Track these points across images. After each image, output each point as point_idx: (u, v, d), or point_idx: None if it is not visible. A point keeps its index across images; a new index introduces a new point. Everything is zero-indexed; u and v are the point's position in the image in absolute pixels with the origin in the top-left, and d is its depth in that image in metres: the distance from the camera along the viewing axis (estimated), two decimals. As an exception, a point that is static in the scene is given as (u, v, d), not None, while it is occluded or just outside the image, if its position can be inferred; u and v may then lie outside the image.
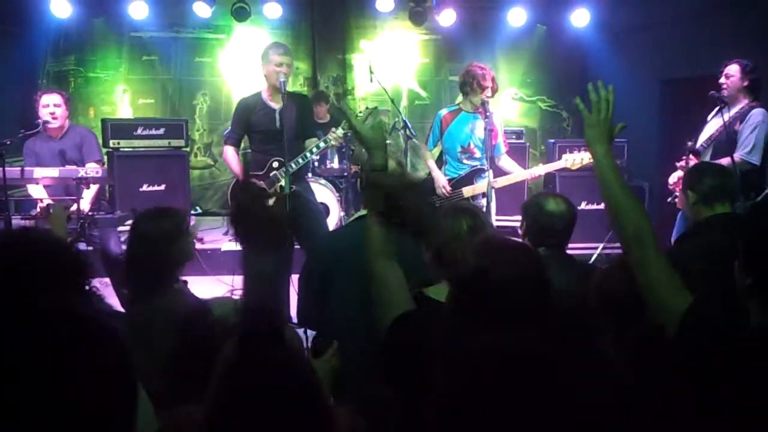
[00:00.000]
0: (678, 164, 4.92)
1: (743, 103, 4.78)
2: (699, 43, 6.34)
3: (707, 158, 4.73)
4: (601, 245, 6.19)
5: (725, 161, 4.37)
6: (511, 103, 8.43)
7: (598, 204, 6.39)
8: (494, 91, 5.06)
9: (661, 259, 1.67)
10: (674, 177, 4.91)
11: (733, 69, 4.81)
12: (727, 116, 4.66)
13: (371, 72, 6.22)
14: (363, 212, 3.21)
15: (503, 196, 5.49)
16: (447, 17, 7.92)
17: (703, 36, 6.32)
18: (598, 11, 7.79)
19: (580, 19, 7.82)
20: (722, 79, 4.84)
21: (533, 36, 8.38)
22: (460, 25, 8.13)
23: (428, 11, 7.96)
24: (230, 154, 4.89)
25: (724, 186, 3.05)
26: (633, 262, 1.71)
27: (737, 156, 4.52)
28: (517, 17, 7.92)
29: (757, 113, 4.68)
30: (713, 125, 4.90)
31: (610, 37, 7.81)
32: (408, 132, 5.87)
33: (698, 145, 4.90)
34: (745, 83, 4.78)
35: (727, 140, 4.64)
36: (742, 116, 4.73)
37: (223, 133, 5.93)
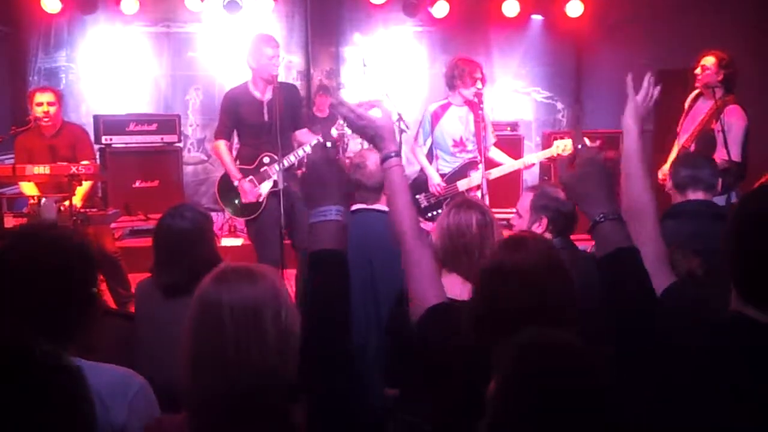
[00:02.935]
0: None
1: (717, 96, 4.70)
2: (694, 34, 6.32)
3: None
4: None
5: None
6: (505, 95, 8.39)
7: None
8: (484, 82, 5.00)
9: (655, 244, 1.76)
10: (662, 172, 4.93)
11: (710, 61, 4.80)
12: (702, 114, 4.78)
13: (365, 65, 6.19)
14: (355, 207, 3.21)
15: (497, 189, 5.45)
16: (440, 9, 7.89)
17: (698, 26, 6.31)
18: (593, 2, 7.76)
19: (574, 9, 7.79)
20: (697, 70, 4.84)
21: (527, 27, 8.35)
22: (454, 17, 8.09)
23: (421, 3, 7.93)
24: (222, 149, 4.81)
25: (697, 176, 3.25)
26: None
27: (718, 158, 4.45)
28: (510, 8, 7.90)
29: (730, 111, 4.66)
30: (695, 116, 4.95)
31: (605, 27, 7.78)
32: (402, 125, 5.84)
33: (681, 140, 4.99)
34: (720, 77, 4.75)
35: (707, 138, 4.72)
36: (717, 113, 4.67)
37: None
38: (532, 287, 1.59)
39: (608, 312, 1.52)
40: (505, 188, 6.13)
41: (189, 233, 2.67)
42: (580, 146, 1.71)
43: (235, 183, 4.76)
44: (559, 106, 8.60)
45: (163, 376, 2.36)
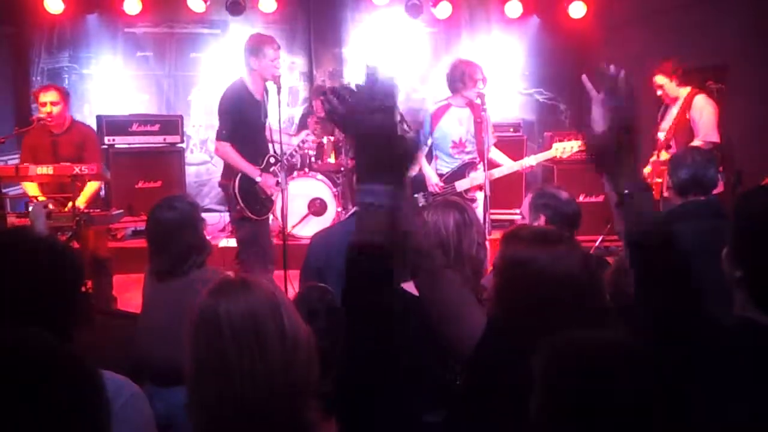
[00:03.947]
0: (651, 160, 5.39)
1: (684, 94, 5.29)
2: (696, 34, 6.30)
3: (674, 149, 5.19)
4: (599, 238, 6.17)
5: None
6: (508, 95, 8.39)
7: (596, 197, 6.37)
8: (485, 82, 5.02)
9: None
10: (647, 170, 5.32)
11: (660, 79, 5.33)
12: (676, 109, 5.32)
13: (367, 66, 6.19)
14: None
15: (498, 189, 5.46)
16: (443, 10, 7.89)
17: (700, 26, 6.29)
18: (595, 2, 7.75)
19: (576, 11, 7.78)
20: (658, 92, 5.37)
21: (530, 28, 8.34)
22: (457, 18, 8.08)
23: (424, 4, 7.92)
24: (232, 150, 4.63)
25: (697, 176, 3.12)
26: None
27: (701, 142, 5.03)
28: (513, 9, 7.89)
29: (698, 99, 5.24)
30: (668, 120, 5.40)
31: (607, 28, 7.77)
32: (405, 126, 5.85)
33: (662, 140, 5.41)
34: (675, 81, 5.29)
35: (684, 129, 5.25)
36: (688, 105, 5.27)
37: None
38: (569, 283, 1.51)
39: (644, 295, 1.43)
40: (507, 190, 6.13)
41: (175, 223, 2.83)
42: (615, 103, 1.50)
43: (258, 179, 4.66)
44: (562, 107, 8.58)
45: (159, 353, 2.51)
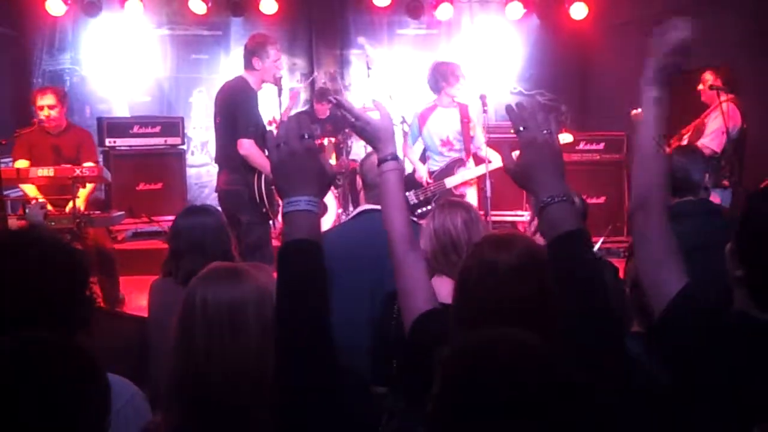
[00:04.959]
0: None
1: (716, 99, 5.23)
2: (696, 34, 6.30)
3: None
4: (600, 239, 6.15)
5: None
6: (510, 96, 8.38)
7: (597, 198, 6.36)
8: (464, 79, 5.21)
9: (663, 236, 1.59)
10: None
11: (707, 76, 5.35)
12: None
13: (368, 68, 6.22)
14: (363, 208, 3.19)
15: (501, 191, 5.46)
16: (444, 11, 7.90)
17: (701, 28, 6.29)
18: (596, 4, 7.75)
19: (577, 12, 7.78)
20: (700, 85, 5.41)
21: (531, 29, 8.35)
22: (458, 19, 8.09)
23: (425, 5, 7.93)
24: (256, 148, 4.44)
25: (679, 177, 3.09)
26: (634, 229, 1.66)
27: (699, 143, 5.06)
28: (514, 11, 7.89)
29: (717, 108, 5.19)
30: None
31: (609, 29, 7.77)
32: (405, 127, 5.86)
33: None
34: (709, 83, 5.31)
35: (699, 131, 5.32)
36: (711, 109, 5.32)
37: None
38: (505, 286, 1.53)
39: (559, 298, 1.46)
40: (509, 191, 6.12)
41: (213, 227, 2.82)
42: (521, 128, 1.54)
43: None
44: (563, 108, 8.58)
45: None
